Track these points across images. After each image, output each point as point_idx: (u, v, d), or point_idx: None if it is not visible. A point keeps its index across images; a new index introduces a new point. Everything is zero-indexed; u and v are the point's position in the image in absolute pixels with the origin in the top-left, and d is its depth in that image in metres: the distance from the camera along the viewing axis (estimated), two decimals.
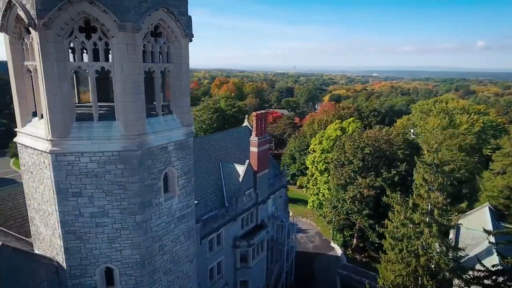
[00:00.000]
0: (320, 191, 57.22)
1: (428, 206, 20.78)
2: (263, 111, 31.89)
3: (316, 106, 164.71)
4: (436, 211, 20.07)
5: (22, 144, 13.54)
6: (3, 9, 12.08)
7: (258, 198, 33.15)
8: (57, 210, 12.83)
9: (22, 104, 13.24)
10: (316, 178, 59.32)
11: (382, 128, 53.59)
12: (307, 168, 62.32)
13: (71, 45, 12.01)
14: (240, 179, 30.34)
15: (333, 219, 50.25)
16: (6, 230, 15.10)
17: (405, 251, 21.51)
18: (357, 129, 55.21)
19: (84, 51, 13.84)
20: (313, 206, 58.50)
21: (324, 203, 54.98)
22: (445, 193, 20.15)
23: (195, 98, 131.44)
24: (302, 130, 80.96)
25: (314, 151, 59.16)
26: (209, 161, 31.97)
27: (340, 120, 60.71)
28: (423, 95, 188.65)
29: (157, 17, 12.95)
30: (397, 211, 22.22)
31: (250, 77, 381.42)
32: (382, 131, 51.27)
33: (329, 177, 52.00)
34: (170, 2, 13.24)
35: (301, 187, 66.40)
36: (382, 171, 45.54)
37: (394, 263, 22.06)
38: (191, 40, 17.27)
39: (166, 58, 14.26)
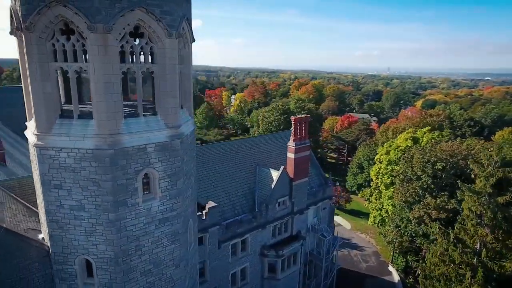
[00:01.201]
0: (384, 207, 51.76)
1: (476, 244, 16.37)
2: (304, 115, 29.95)
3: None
4: (483, 252, 15.67)
5: (26, 138, 15.07)
6: (9, 16, 13.54)
7: (294, 207, 31.34)
8: (42, 199, 13.89)
9: (27, 100, 14.71)
10: (380, 192, 53.87)
11: (463, 141, 45.47)
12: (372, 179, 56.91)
13: (54, 47, 12.73)
14: (273, 186, 29.07)
15: (395, 240, 44.88)
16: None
17: None
18: (432, 140, 48.07)
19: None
20: (374, 222, 53.24)
21: (386, 220, 49.56)
22: (499, 231, 15.55)
23: (269, 99, 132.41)
24: (374, 137, 74.55)
25: (380, 161, 53.72)
26: (245, 164, 31.45)
27: (414, 129, 53.71)
28: None
29: (134, 18, 12.90)
30: (439, 244, 18.06)
31: (337, 79, 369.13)
32: (463, 144, 43.56)
33: (394, 192, 46.51)
34: (150, 1, 13.06)
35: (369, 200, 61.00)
36: (458, 191, 38.74)
37: None
38: (194, 41, 17.04)
39: (152, 59, 14.21)
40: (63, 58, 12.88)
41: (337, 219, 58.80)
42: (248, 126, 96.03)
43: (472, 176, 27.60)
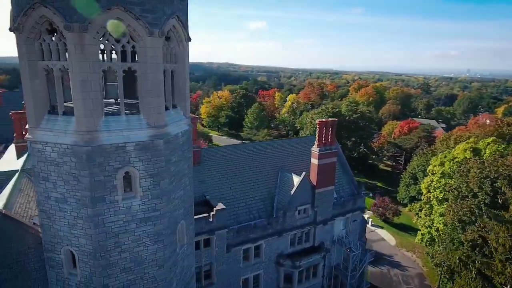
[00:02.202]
0: (434, 224, 46.54)
1: (506, 286, 13.21)
2: (330, 119, 27.88)
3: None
4: None
5: None
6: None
7: (317, 216, 29.55)
8: (34, 189, 14.79)
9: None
10: (431, 207, 48.53)
11: None
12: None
13: (42, 46, 13.40)
14: (292, 192, 27.67)
15: (443, 263, 39.96)
16: None
17: None
18: (497, 152, 41.63)
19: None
20: (422, 241, 48.11)
21: (436, 239, 44.37)
22: None
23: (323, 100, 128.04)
24: (434, 146, 67.45)
25: (433, 173, 48.31)
26: (267, 167, 30.53)
27: (476, 139, 47.09)
28: None
29: (112, 16, 12.95)
30: (462, 276, 14.93)
31: (406, 81, 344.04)
32: None
33: (446, 209, 41.36)
34: (129, 0, 13.01)
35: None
36: None
37: None
38: (190, 40, 16.75)
39: (134, 57, 14.20)
40: (49, 56, 13.45)
41: (381, 232, 54.36)
42: (298, 128, 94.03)
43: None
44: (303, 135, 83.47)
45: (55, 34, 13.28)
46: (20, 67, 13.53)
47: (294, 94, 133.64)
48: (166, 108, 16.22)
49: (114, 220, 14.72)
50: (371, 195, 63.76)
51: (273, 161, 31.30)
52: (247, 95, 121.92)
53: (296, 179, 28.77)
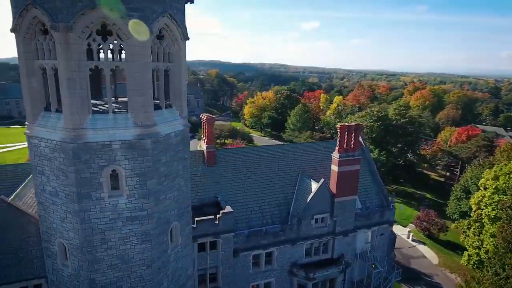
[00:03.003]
0: (484, 246, 41.36)
1: None
2: (353, 124, 25.84)
3: None
4: None
5: None
6: None
7: (336, 227, 27.65)
8: (33, 182, 15.63)
9: None
10: (482, 225, 43.25)
11: None
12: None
13: (37, 46, 14.03)
14: (308, 199, 26.22)
15: None
16: None
17: None
18: None
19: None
20: (469, 263, 42.97)
21: (485, 263, 39.20)
22: None
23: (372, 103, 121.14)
24: (493, 157, 60.13)
25: (485, 187, 42.93)
26: (286, 171, 29.33)
27: None
28: None
29: (97, 16, 13.09)
30: None
31: (474, 84, 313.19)
32: None
33: (498, 229, 36.38)
34: None
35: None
36: None
37: None
38: (187, 39, 16.51)
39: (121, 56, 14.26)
40: (43, 55, 14.03)
41: (423, 249, 49.69)
42: None
43: None
44: None
45: (47, 34, 13.79)
46: (19, 66, 14.32)
47: (341, 96, 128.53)
48: (159, 107, 16.13)
49: (100, 216, 14.94)
50: (401, 208, 58.76)
51: (293, 166, 29.93)
52: (291, 96, 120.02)
53: (315, 186, 27.15)
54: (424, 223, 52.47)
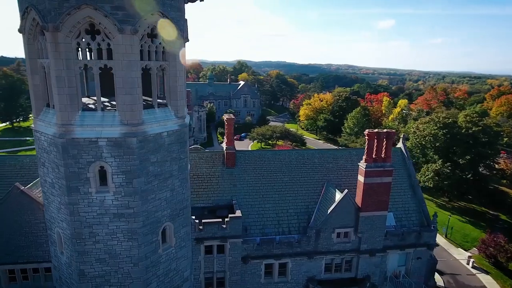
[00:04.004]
0: None
1: None
2: (386, 130, 23.01)
3: None
4: None
5: None
6: None
7: (361, 244, 25.06)
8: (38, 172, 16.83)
9: None
10: None
11: None
12: None
13: (38, 45, 14.94)
14: (329, 210, 24.19)
15: None
16: None
17: None
18: None
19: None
20: None
21: None
22: None
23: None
24: None
25: None
26: (311, 179, 27.61)
27: None
28: None
29: (83, 15, 13.39)
30: None
31: None
32: None
33: None
34: None
35: None
36: None
37: None
38: (184, 37, 16.24)
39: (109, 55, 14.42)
40: (43, 55, 14.87)
41: (485, 279, 42.79)
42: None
43: None
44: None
45: (44, 34, 14.54)
46: (26, 64, 15.41)
47: (406, 100, 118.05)
48: (151, 106, 16.05)
49: (88, 210, 15.36)
50: (444, 230, 50.97)
51: (319, 173, 27.82)
52: (350, 98, 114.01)
53: (339, 196, 24.81)
54: (491, 248, 45.19)
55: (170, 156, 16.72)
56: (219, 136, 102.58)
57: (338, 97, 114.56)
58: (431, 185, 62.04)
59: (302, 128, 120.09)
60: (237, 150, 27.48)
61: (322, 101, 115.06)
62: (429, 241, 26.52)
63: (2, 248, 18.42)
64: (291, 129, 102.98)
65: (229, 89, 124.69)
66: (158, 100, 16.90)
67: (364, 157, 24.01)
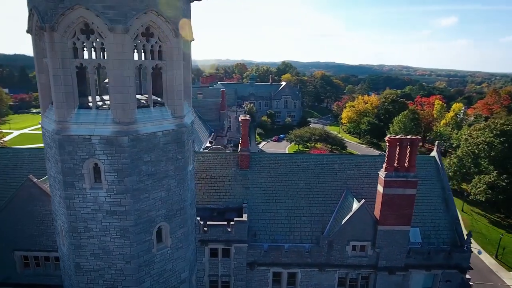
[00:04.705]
0: None
1: None
2: (409, 137, 20.84)
3: None
4: None
5: None
6: None
7: (380, 260, 23.14)
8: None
9: None
10: None
11: None
12: None
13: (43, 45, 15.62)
14: (343, 221, 22.64)
15: None
16: None
17: None
18: None
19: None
20: None
21: None
22: None
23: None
24: None
25: None
26: (328, 186, 26.29)
27: None
28: None
29: (77, 15, 13.69)
30: None
31: None
32: None
33: None
34: None
35: None
36: None
37: None
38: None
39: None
40: (46, 54, 15.51)
41: None
42: (454, 145, 75.71)
43: None
44: (454, 155, 66.58)
45: None
46: (34, 63, 16.25)
47: (461, 104, 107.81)
48: (146, 106, 16.06)
49: (83, 206, 15.76)
50: (481, 253, 44.54)
51: (339, 180, 26.11)
52: (397, 101, 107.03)
53: (356, 206, 22.99)
54: None
55: (165, 156, 16.58)
56: (257, 136, 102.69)
57: (384, 100, 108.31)
58: (483, 199, 55.79)
59: (345, 131, 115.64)
60: (252, 152, 26.83)
61: (366, 103, 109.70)
62: (461, 263, 23.51)
63: (18, 235, 19.78)
64: (332, 132, 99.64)
65: (270, 90, 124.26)
66: (160, 99, 16.91)
67: (384, 165, 21.96)
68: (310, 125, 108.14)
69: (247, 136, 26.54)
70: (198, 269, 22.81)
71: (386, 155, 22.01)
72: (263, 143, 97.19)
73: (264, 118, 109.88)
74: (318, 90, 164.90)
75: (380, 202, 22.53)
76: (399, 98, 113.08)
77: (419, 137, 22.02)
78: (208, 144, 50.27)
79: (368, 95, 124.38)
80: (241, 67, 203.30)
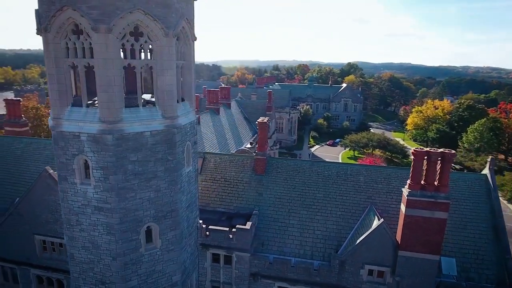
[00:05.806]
0: None
1: None
2: (439, 150, 17.57)
3: None
4: None
5: None
6: None
7: None
8: None
9: None
10: None
11: None
12: None
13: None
14: (358, 241, 20.24)
15: None
16: None
17: None
18: None
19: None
20: None
21: None
22: None
23: None
24: None
25: None
26: (351, 199, 24.20)
27: None
28: None
29: (65, 17, 14.18)
30: None
31: None
32: None
33: None
34: None
35: None
36: None
37: None
38: (167, 35, 15.90)
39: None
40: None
41: None
42: None
43: None
44: None
45: None
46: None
47: None
48: (135, 105, 16.06)
49: (74, 200, 16.41)
50: None
51: (362, 194, 23.23)
52: (474, 107, 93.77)
53: (375, 225, 20.16)
54: None
55: (154, 156, 16.41)
56: (311, 140, 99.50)
57: (458, 105, 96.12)
58: None
59: (410, 139, 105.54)
60: (270, 157, 25.49)
61: (437, 108, 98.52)
62: None
63: (37, 220, 21.60)
64: (394, 138, 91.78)
65: (329, 92, 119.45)
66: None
67: (408, 181, 18.82)
68: (371, 130, 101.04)
69: (264, 140, 25.27)
70: (200, 273, 22.40)
71: (411, 170, 18.81)
72: (316, 146, 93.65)
73: (320, 121, 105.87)
74: (385, 92, 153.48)
75: (401, 224, 19.39)
76: (479, 103, 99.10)
77: (453, 152, 18.24)
78: (248, 145, 49.94)
79: (441, 100, 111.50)
80: (303, 68, 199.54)
